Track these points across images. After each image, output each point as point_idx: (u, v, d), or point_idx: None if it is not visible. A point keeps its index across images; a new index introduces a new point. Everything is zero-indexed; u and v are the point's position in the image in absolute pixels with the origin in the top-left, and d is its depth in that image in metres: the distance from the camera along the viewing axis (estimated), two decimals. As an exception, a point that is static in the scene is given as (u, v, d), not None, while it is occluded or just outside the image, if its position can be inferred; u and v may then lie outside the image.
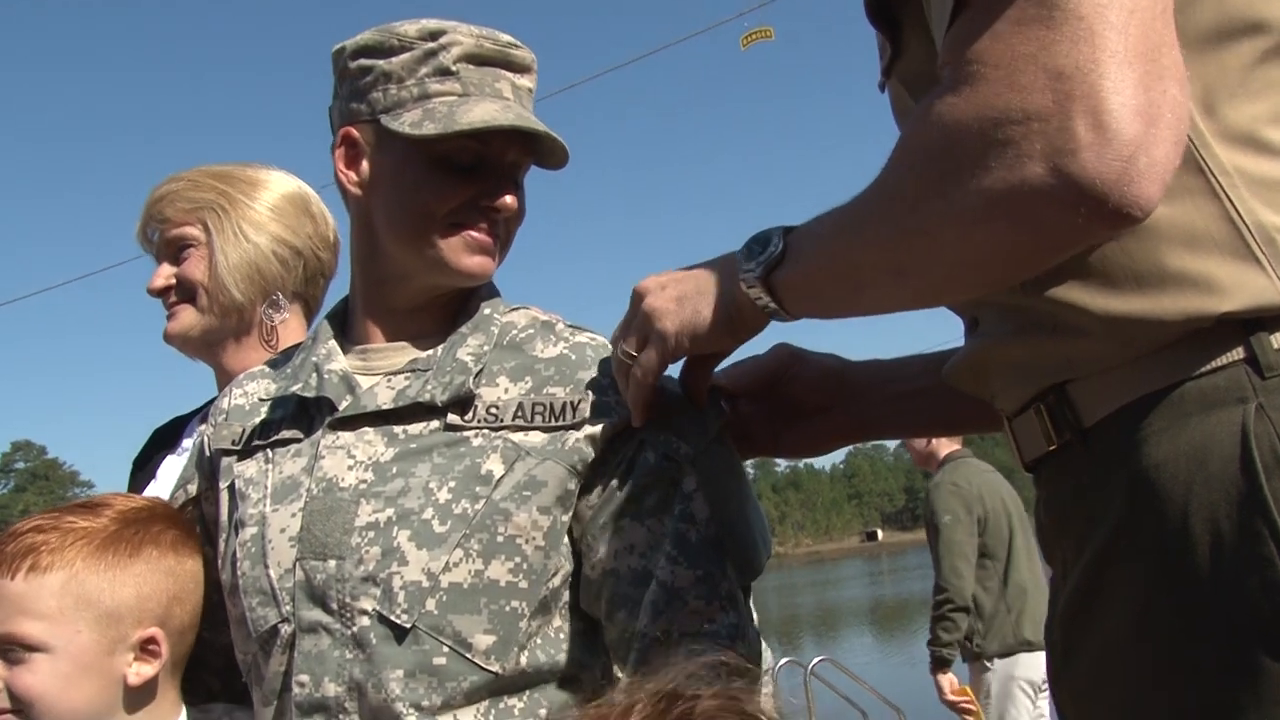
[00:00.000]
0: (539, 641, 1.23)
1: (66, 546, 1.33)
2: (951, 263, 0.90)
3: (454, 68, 1.28)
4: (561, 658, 1.25)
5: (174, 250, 1.85)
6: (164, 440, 1.99)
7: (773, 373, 1.37)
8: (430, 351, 1.33)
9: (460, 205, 1.29)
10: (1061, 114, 0.78)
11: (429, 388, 1.28)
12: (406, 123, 1.26)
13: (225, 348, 1.86)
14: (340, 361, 1.35)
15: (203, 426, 1.89)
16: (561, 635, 1.25)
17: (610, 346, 1.26)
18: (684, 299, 1.14)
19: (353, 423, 1.30)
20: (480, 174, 1.30)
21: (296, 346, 1.50)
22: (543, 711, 1.23)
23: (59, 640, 1.29)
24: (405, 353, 1.36)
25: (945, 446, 5.03)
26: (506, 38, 1.32)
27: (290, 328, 1.88)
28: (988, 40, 0.83)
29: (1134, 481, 0.89)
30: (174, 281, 1.85)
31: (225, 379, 1.86)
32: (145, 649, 1.35)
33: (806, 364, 1.37)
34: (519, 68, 1.33)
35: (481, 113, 1.25)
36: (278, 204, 1.87)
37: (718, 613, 1.19)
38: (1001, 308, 1.01)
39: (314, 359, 1.37)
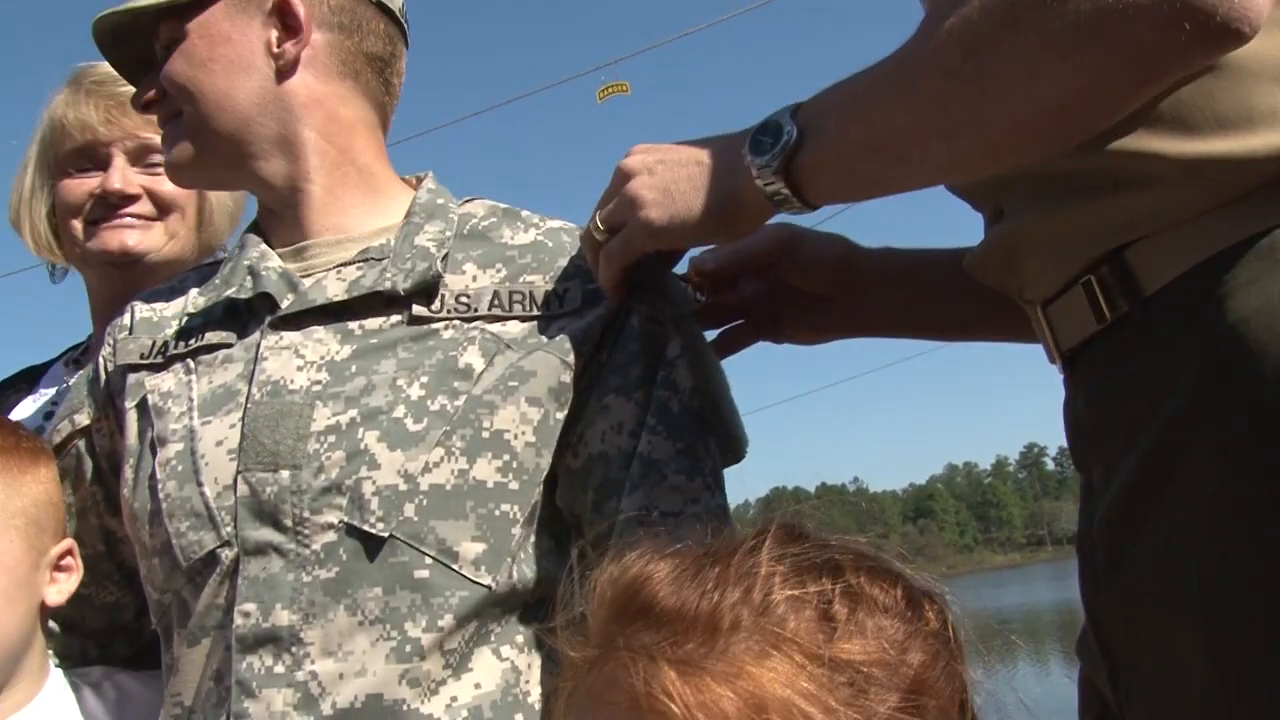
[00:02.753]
0: (523, 555, 1.09)
1: None
2: (1019, 113, 0.82)
3: None
4: (544, 574, 1.10)
5: (143, 155, 1.61)
6: (12, 391, 1.72)
7: (768, 256, 1.25)
8: (383, 241, 1.18)
9: None
10: None
11: (388, 276, 1.13)
12: None
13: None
14: (277, 260, 1.19)
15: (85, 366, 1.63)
16: (539, 550, 1.11)
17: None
18: (673, 190, 1.03)
19: (298, 320, 1.14)
20: None
21: (211, 265, 1.33)
22: (520, 638, 1.09)
23: None
24: (347, 248, 1.20)
25: None
26: None
27: None
28: None
29: (1213, 342, 0.82)
30: (142, 191, 1.61)
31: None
32: (58, 565, 1.19)
33: (805, 247, 1.25)
34: None
35: None
36: None
37: (702, 492, 1.08)
38: (1041, 178, 0.93)
39: (246, 262, 1.20)
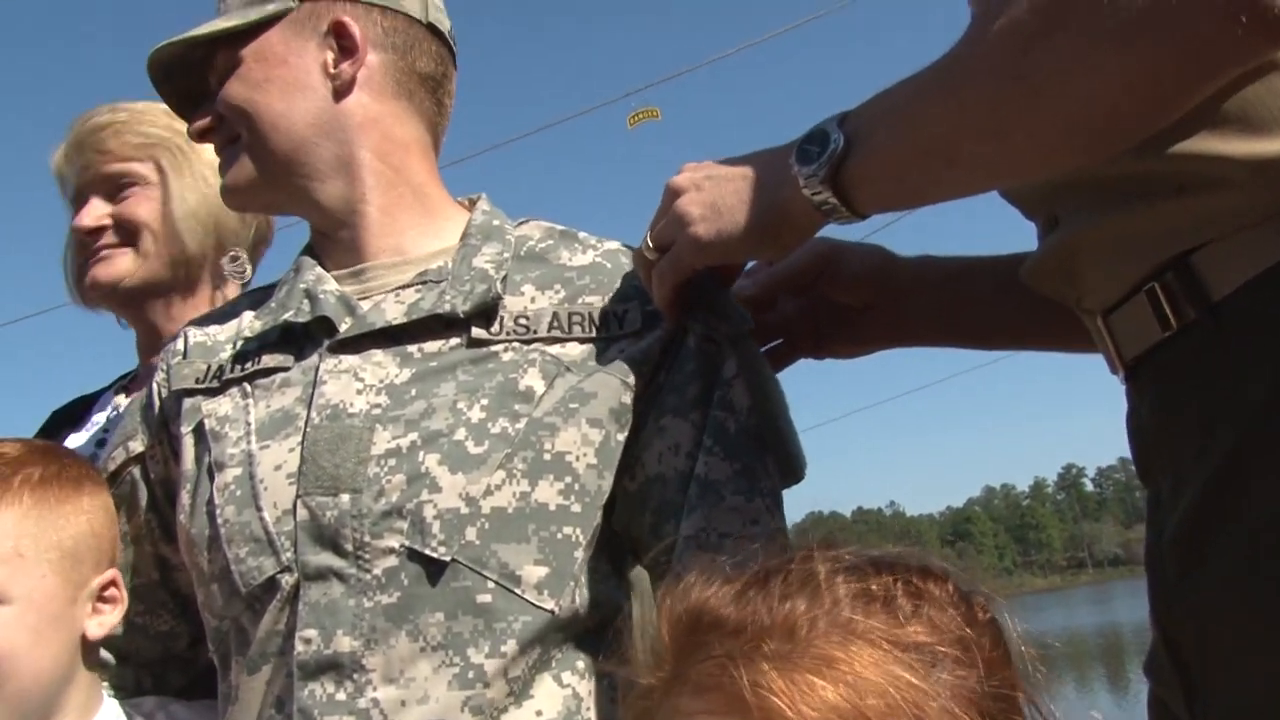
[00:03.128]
0: (584, 579, 1.07)
1: (7, 479, 1.12)
2: (1074, 112, 0.80)
3: None
4: (604, 599, 1.09)
5: (110, 187, 1.62)
6: (66, 421, 1.72)
7: (810, 272, 1.24)
8: (440, 263, 1.17)
9: None
10: None
11: (447, 298, 1.12)
12: None
13: (160, 303, 1.63)
14: (334, 284, 1.19)
15: (130, 397, 1.63)
16: (598, 574, 1.09)
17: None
18: (720, 206, 1.02)
19: (357, 344, 1.13)
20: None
21: (264, 288, 1.31)
22: (580, 664, 1.06)
23: (21, 587, 1.08)
24: (404, 270, 1.19)
25: None
26: None
27: (227, 293, 1.67)
28: None
29: None
30: (109, 222, 1.61)
31: (155, 339, 1.64)
32: (101, 597, 1.16)
33: (846, 260, 1.25)
34: None
35: None
36: None
37: (761, 513, 1.06)
38: (1099, 183, 0.91)
39: (302, 285, 1.19)
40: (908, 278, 1.25)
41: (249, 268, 1.67)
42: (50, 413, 1.77)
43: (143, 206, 1.60)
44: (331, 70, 1.18)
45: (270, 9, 1.18)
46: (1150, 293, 0.90)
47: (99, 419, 1.68)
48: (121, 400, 1.69)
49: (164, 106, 1.64)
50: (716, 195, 1.02)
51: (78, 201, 1.64)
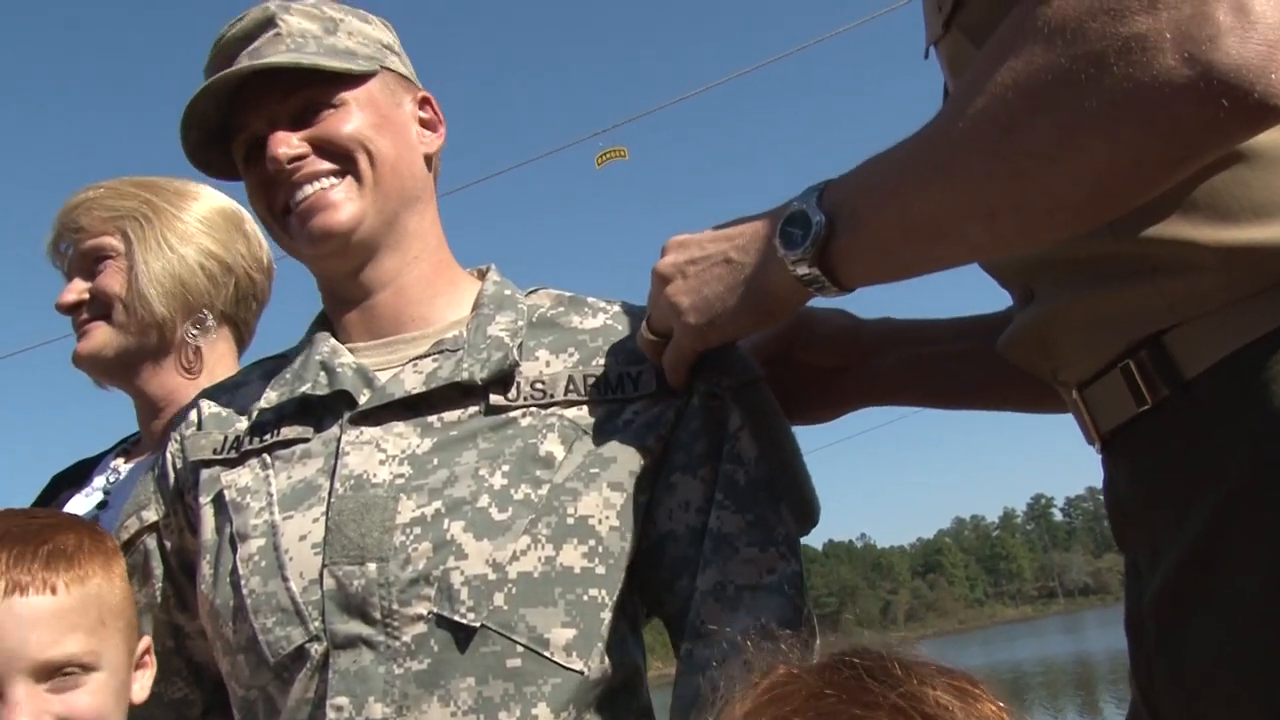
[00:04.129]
0: (611, 640, 1.10)
1: (83, 549, 1.14)
2: (1058, 191, 0.82)
3: None
4: (625, 659, 1.11)
5: (89, 263, 1.65)
6: (66, 483, 1.74)
7: (783, 340, 1.28)
8: (455, 333, 1.20)
9: None
10: None
11: (465, 366, 1.15)
12: None
13: (143, 370, 1.65)
14: (349, 356, 1.21)
15: (130, 461, 1.66)
16: (618, 634, 1.12)
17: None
18: (707, 293, 1.05)
19: (377, 416, 1.16)
20: None
21: (276, 358, 1.33)
22: None
23: (109, 655, 1.11)
24: (420, 344, 1.22)
25: None
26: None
27: (218, 352, 1.69)
28: None
29: (1260, 427, 0.82)
30: (87, 296, 1.64)
31: (148, 406, 1.66)
32: (138, 664, 1.18)
33: (816, 326, 1.29)
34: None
35: None
36: (208, 216, 1.69)
37: (777, 561, 1.09)
38: (1072, 263, 0.94)
39: (318, 357, 1.21)
40: (875, 337, 1.29)
41: (214, 332, 1.67)
42: (51, 477, 1.78)
43: (114, 279, 1.62)
44: (423, 136, 1.25)
45: (362, 65, 1.20)
46: (1125, 369, 0.92)
47: (99, 482, 1.69)
48: (122, 464, 1.71)
49: (139, 179, 1.69)
50: (702, 283, 1.05)
51: (68, 281, 1.67)
